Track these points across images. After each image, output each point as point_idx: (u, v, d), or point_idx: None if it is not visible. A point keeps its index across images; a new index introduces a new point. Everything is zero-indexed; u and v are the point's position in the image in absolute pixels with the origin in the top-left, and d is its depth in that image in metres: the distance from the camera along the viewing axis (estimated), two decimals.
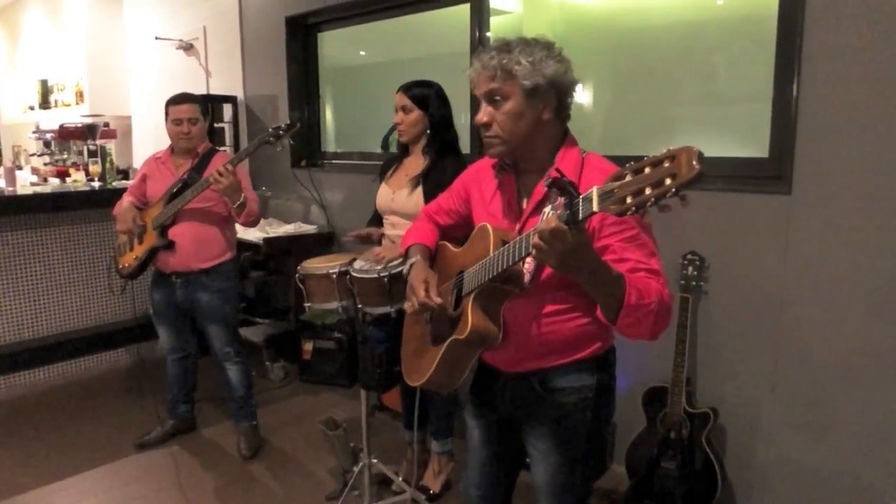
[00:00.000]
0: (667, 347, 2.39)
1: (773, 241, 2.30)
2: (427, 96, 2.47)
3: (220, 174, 2.58)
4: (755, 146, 2.42)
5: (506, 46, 1.41)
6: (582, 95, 3.13)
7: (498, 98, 1.42)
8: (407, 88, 2.49)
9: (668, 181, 0.97)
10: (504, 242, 1.38)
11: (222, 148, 4.32)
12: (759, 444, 2.41)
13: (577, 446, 1.55)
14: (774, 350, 2.34)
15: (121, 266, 2.97)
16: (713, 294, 2.46)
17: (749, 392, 2.41)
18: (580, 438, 1.55)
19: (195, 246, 2.85)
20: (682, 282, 2.40)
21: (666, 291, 1.35)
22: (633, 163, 1.04)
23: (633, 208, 1.01)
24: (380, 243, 2.59)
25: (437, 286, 1.56)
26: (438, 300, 1.52)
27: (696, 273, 2.40)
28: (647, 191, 0.99)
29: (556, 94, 1.43)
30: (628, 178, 1.03)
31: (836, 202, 2.15)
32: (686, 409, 2.38)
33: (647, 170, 1.01)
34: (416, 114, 2.47)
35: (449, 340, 1.49)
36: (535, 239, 1.18)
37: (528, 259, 1.36)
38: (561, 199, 1.17)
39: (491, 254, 1.40)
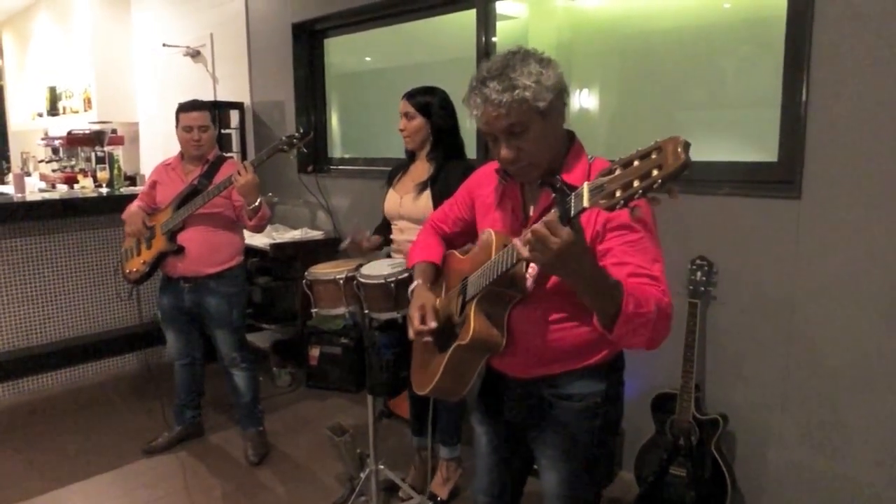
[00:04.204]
0: (675, 353, 2.37)
1: (782, 245, 2.28)
2: (429, 104, 2.49)
3: (240, 172, 2.63)
4: (764, 150, 2.41)
5: (503, 72, 1.33)
6: (588, 100, 3.13)
7: (518, 130, 1.35)
8: (410, 96, 2.51)
9: (654, 172, 0.96)
10: (506, 246, 1.37)
11: (229, 154, 4.34)
12: (770, 450, 2.38)
13: (585, 453, 1.54)
14: (785, 355, 2.32)
15: (127, 271, 2.98)
16: (722, 299, 2.44)
17: (759, 398, 2.39)
18: (589, 445, 1.54)
19: (204, 251, 2.86)
20: (691, 287, 2.39)
21: (666, 300, 1.31)
22: (622, 156, 1.03)
23: (622, 202, 1.00)
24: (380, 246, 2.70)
25: (434, 307, 1.57)
26: (433, 325, 1.52)
27: (704, 278, 2.38)
28: (636, 183, 0.98)
29: (562, 100, 1.41)
30: (617, 171, 1.02)
31: (846, 206, 2.13)
32: (695, 416, 2.36)
33: (635, 162, 1.00)
34: (419, 121, 2.49)
35: (453, 346, 1.48)
36: (528, 235, 1.16)
37: (532, 264, 1.35)
38: None
39: (493, 257, 1.40)
